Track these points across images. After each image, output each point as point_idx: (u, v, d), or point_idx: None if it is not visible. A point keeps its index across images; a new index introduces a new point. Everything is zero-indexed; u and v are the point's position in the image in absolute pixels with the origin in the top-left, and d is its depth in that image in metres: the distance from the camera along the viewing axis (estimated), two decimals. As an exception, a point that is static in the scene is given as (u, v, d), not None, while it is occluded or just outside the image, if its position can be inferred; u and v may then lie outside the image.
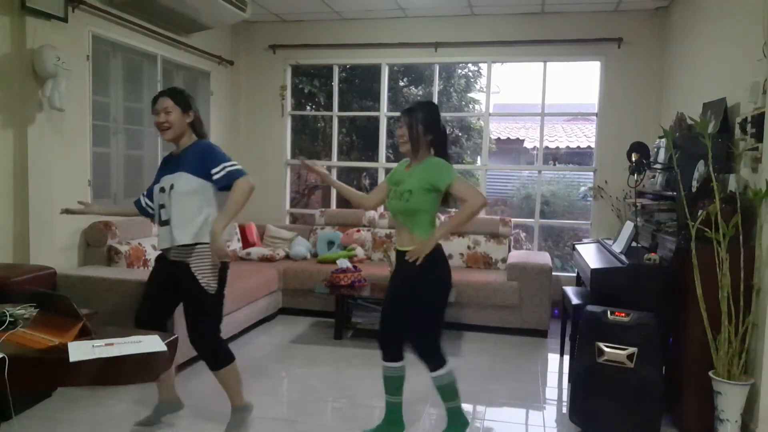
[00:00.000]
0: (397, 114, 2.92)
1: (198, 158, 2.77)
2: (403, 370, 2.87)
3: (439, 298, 2.77)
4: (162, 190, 2.82)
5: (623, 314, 3.00)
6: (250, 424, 2.94)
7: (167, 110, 2.77)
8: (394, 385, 2.89)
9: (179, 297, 2.83)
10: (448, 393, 2.81)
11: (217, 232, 2.66)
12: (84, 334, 1.98)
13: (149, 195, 2.98)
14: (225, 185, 2.73)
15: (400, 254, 2.77)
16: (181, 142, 2.85)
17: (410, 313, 2.76)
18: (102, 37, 4.34)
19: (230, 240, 2.85)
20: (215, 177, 2.73)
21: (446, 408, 2.86)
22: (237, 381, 2.91)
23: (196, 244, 2.74)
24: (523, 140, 9.39)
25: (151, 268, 3.00)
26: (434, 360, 2.76)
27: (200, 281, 2.73)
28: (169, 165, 2.87)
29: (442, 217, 5.59)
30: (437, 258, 2.73)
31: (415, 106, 2.78)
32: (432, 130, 2.73)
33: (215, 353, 2.84)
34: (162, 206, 2.82)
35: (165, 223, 2.79)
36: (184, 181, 2.75)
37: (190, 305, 2.80)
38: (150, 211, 2.99)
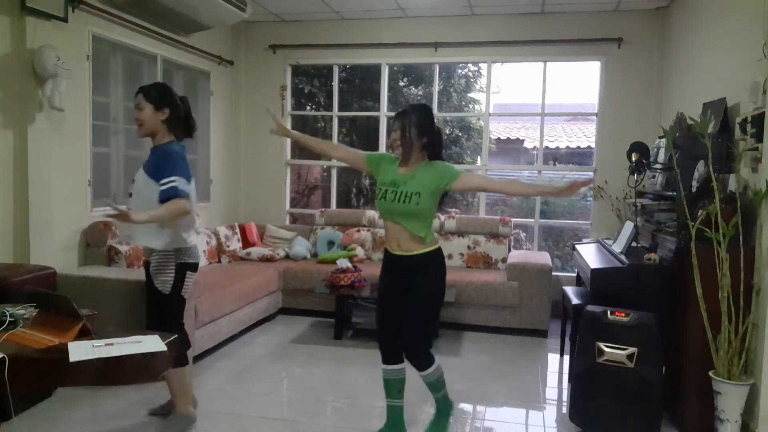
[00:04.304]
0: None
1: (156, 163, 2.71)
2: (404, 372, 2.84)
3: (440, 301, 2.86)
4: (133, 181, 2.81)
5: (623, 314, 3.00)
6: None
7: (140, 107, 2.73)
8: (396, 387, 2.84)
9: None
10: (439, 385, 2.90)
11: (140, 219, 2.49)
12: (84, 334, 1.98)
13: None
14: (164, 199, 2.62)
15: (399, 259, 2.75)
16: (156, 139, 2.78)
17: (415, 316, 2.74)
18: (102, 37, 4.34)
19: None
20: (162, 187, 2.63)
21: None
22: (186, 385, 2.92)
23: (159, 250, 2.74)
24: (523, 140, 9.37)
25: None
26: (428, 358, 2.80)
27: (155, 282, 2.76)
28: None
29: (443, 217, 5.60)
30: (443, 262, 2.81)
31: (408, 110, 2.74)
32: (427, 133, 2.70)
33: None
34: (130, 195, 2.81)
35: None
36: (142, 183, 2.72)
37: (152, 302, 2.83)
38: None
